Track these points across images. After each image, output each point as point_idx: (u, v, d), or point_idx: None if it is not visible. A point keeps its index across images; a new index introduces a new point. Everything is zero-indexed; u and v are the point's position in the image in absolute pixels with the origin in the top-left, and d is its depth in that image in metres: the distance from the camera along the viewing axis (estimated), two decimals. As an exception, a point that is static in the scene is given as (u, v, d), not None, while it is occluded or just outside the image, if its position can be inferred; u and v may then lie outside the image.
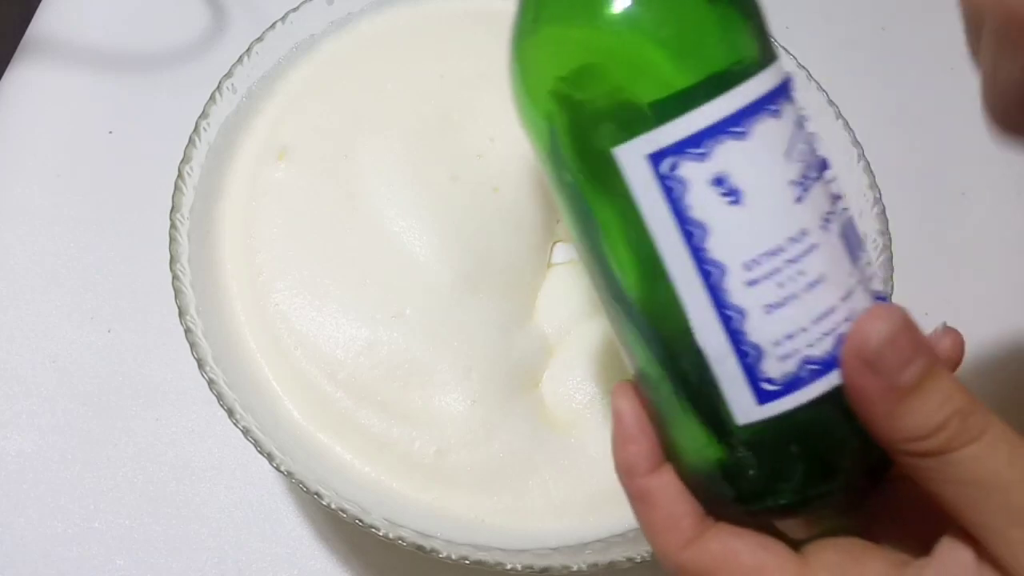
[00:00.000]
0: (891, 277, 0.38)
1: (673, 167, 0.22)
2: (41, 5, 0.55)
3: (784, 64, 0.24)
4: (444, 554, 0.32)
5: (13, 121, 0.51)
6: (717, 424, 0.24)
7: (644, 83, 0.22)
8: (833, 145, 0.40)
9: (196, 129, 0.39)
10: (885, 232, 0.38)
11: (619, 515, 0.36)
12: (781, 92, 0.23)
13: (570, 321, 0.39)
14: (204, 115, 0.39)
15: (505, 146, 0.40)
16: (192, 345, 0.34)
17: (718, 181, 0.22)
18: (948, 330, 0.25)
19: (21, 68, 0.53)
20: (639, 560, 0.32)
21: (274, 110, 0.41)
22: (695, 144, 0.22)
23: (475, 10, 0.44)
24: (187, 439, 0.43)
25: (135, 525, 0.41)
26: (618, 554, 0.33)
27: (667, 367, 0.24)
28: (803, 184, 0.22)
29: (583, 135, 0.24)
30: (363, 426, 0.36)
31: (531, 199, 0.40)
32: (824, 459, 0.24)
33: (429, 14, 0.44)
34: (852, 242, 0.24)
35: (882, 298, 0.24)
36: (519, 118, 0.26)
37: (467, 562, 0.32)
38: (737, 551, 0.24)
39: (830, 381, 0.23)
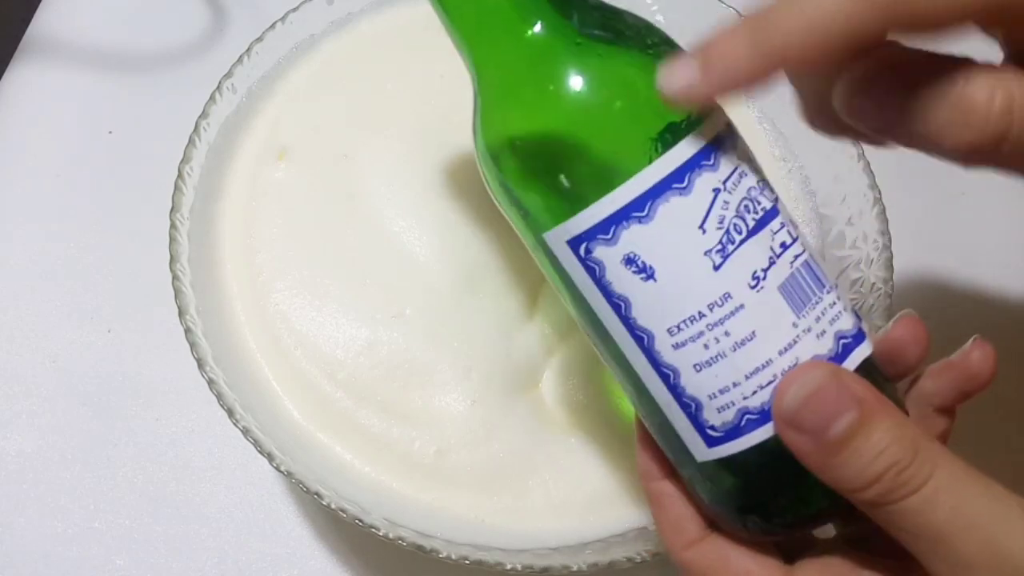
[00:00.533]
0: (891, 277, 0.38)
1: (588, 251, 0.24)
2: (41, 5, 0.55)
3: (717, 119, 0.25)
4: (444, 554, 0.32)
5: (13, 121, 0.51)
6: (686, 456, 0.26)
7: (559, 176, 0.25)
8: (833, 145, 0.40)
9: (196, 129, 0.39)
10: (885, 232, 0.38)
11: (619, 515, 0.36)
12: (695, 163, 0.24)
13: (570, 321, 0.39)
14: (204, 115, 0.39)
15: (505, 146, 0.40)
16: (192, 345, 0.34)
17: (628, 261, 0.24)
18: (977, 343, 0.26)
19: (21, 68, 0.53)
20: (639, 560, 0.32)
21: (274, 110, 0.41)
22: (603, 231, 0.24)
23: (475, 10, 0.44)
24: (187, 439, 0.43)
25: (135, 525, 0.41)
26: (618, 554, 0.33)
27: (643, 403, 0.27)
28: (722, 251, 0.24)
29: (524, 220, 0.26)
30: (363, 426, 0.36)
31: (531, 199, 0.40)
32: (781, 491, 0.25)
33: (429, 14, 0.44)
34: (800, 290, 0.25)
35: (852, 335, 0.25)
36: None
37: (467, 562, 0.32)
38: (728, 557, 0.26)
39: (769, 430, 0.24)
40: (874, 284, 0.38)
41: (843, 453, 0.21)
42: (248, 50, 0.41)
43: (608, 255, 0.24)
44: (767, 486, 0.25)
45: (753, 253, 0.24)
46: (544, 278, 0.39)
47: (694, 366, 0.24)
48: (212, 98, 0.39)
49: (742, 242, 0.24)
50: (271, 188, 0.39)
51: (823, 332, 0.24)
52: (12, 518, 0.41)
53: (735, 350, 0.24)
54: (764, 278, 0.24)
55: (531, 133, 0.25)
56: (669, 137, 0.24)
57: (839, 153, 0.40)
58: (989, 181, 0.53)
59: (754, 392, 0.24)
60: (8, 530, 0.41)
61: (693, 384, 0.24)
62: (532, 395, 0.37)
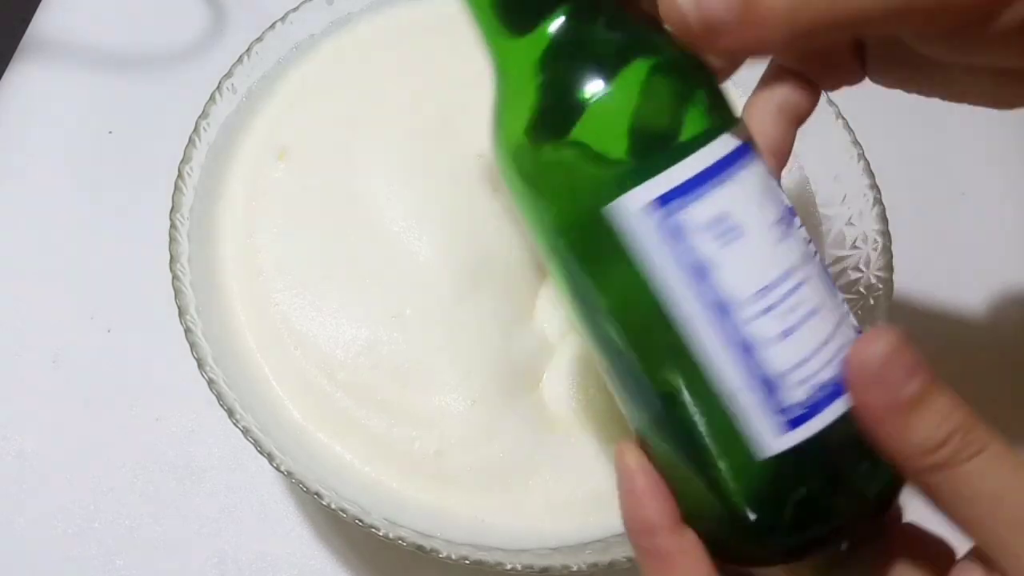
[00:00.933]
0: (891, 277, 0.38)
1: (669, 213, 0.23)
2: (41, 5, 0.55)
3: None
4: (444, 554, 0.32)
5: (13, 121, 0.51)
6: (734, 466, 0.24)
7: (647, 133, 0.24)
8: (833, 145, 0.40)
9: (196, 129, 0.39)
10: (885, 232, 0.38)
11: (619, 515, 0.36)
12: (751, 146, 0.25)
13: (570, 321, 0.39)
14: (204, 115, 0.39)
15: (505, 146, 0.40)
16: (192, 345, 0.34)
17: (718, 220, 0.23)
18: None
19: (21, 68, 0.53)
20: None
21: (274, 110, 0.41)
22: (688, 190, 0.23)
23: (475, 10, 0.44)
24: (187, 439, 0.43)
25: (135, 525, 0.41)
26: (618, 554, 0.33)
27: (673, 423, 0.25)
28: (784, 222, 0.24)
29: (576, 200, 0.25)
30: (363, 426, 0.36)
31: (531, 199, 0.40)
32: (843, 486, 0.24)
33: (429, 14, 0.44)
34: (830, 279, 0.25)
35: (860, 331, 0.26)
36: (513, 197, 0.27)
37: (467, 562, 0.32)
38: None
39: (838, 408, 0.23)
40: (874, 284, 0.38)
41: (915, 413, 0.22)
42: (248, 50, 0.41)
43: (694, 216, 0.23)
44: (829, 475, 0.24)
45: (799, 236, 0.25)
46: (544, 278, 0.40)
47: (773, 337, 0.23)
48: (212, 98, 0.39)
49: (790, 224, 0.24)
50: (271, 188, 0.39)
51: (849, 320, 0.25)
52: (12, 518, 0.41)
53: (806, 321, 0.23)
54: (815, 253, 0.25)
55: (610, 94, 0.24)
56: (735, 118, 0.25)
57: (839, 153, 0.40)
58: (989, 181, 0.54)
59: (823, 365, 0.23)
60: (8, 530, 0.41)
61: (771, 359, 0.23)
62: (532, 395, 0.37)
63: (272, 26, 0.41)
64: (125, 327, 0.46)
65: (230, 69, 0.40)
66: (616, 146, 0.24)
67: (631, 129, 0.24)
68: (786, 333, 0.23)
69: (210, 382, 0.34)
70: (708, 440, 0.24)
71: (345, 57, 0.43)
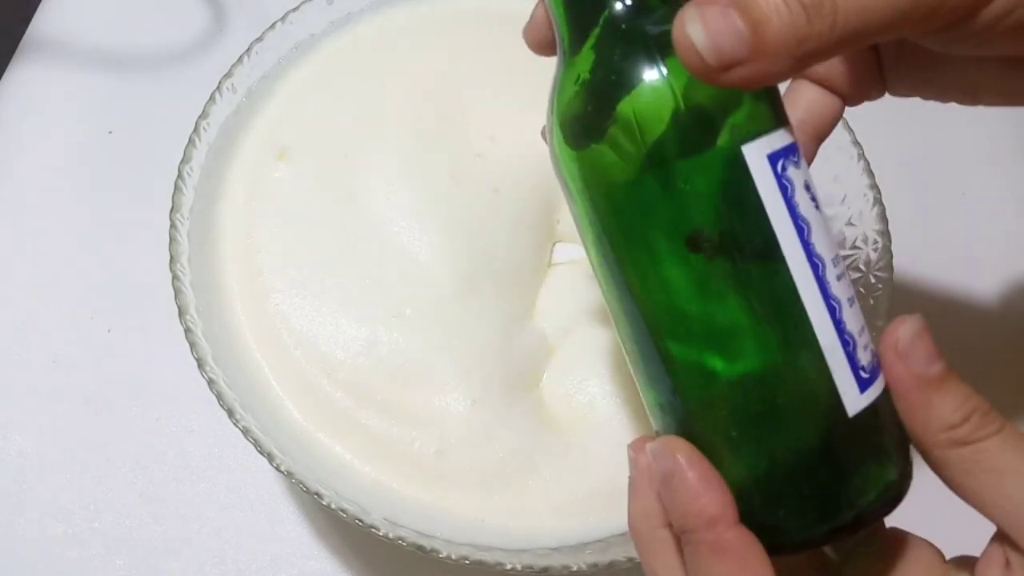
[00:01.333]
0: (891, 277, 0.38)
1: (784, 168, 0.24)
2: (41, 5, 0.55)
3: None
4: (444, 554, 0.32)
5: (13, 121, 0.51)
6: (821, 427, 0.24)
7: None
8: (833, 145, 0.40)
9: (196, 129, 0.39)
10: (885, 232, 0.38)
11: (619, 515, 0.35)
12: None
13: (570, 321, 0.39)
14: (204, 115, 0.39)
15: (505, 146, 0.40)
16: (192, 345, 0.34)
17: (807, 187, 0.25)
18: None
19: (21, 68, 0.53)
20: (639, 560, 0.32)
21: (274, 110, 0.41)
22: (795, 152, 0.25)
23: (475, 10, 0.44)
24: (187, 439, 0.43)
25: (135, 525, 0.41)
26: (618, 554, 0.33)
27: (750, 390, 0.25)
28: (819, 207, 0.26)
29: (697, 134, 0.24)
30: (363, 426, 0.36)
31: (531, 199, 0.40)
32: (888, 459, 0.25)
33: (428, 14, 0.44)
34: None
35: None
36: (558, 149, 0.26)
37: (467, 562, 0.32)
38: None
39: (879, 386, 0.25)
40: (874, 284, 0.38)
41: (941, 390, 0.24)
42: (248, 50, 0.41)
43: (796, 177, 0.24)
44: (883, 445, 0.25)
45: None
46: (544, 278, 0.40)
47: (848, 299, 0.25)
48: (212, 98, 0.39)
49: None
50: (271, 188, 0.39)
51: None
52: (12, 518, 0.41)
53: (854, 300, 0.25)
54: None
55: None
56: None
57: (839, 153, 0.40)
58: (989, 181, 0.53)
59: (869, 342, 0.25)
60: (8, 530, 0.41)
61: (849, 319, 0.25)
62: (532, 395, 0.37)
63: (272, 26, 0.41)
64: (125, 327, 0.46)
65: (230, 69, 0.40)
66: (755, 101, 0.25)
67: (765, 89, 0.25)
68: (851, 301, 0.25)
69: (210, 382, 0.34)
70: (796, 403, 0.24)
71: (345, 57, 0.43)
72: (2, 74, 0.53)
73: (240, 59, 0.40)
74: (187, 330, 0.35)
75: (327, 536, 0.42)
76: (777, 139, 0.24)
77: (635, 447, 0.26)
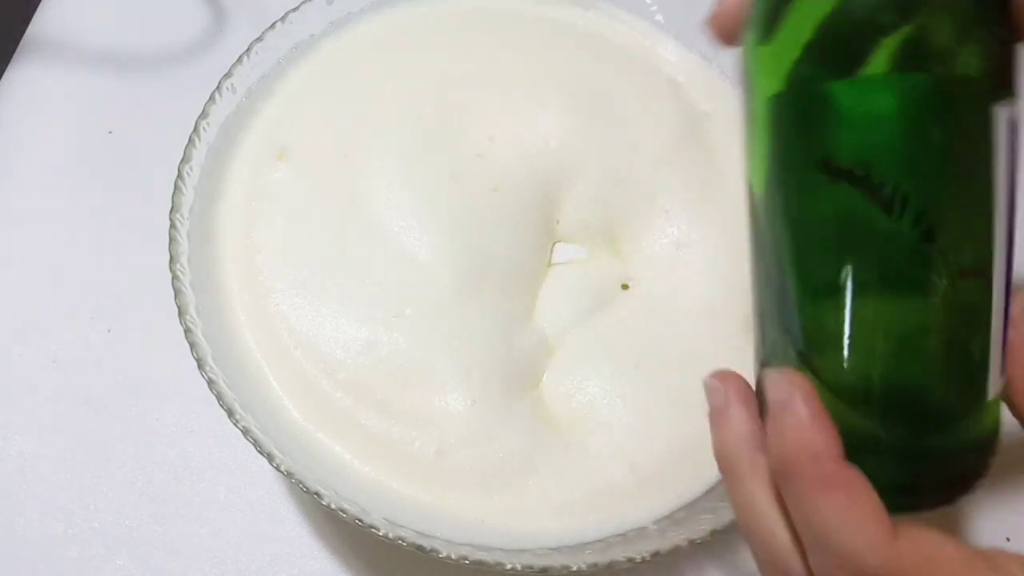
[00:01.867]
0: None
1: (1015, 132, 0.24)
2: (41, 5, 0.55)
3: None
4: (444, 554, 0.32)
5: (13, 121, 0.51)
6: (965, 403, 0.24)
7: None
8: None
9: (196, 129, 0.39)
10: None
11: (619, 515, 0.36)
12: None
13: (570, 321, 0.39)
14: (204, 115, 0.39)
15: (505, 146, 0.40)
16: (192, 345, 0.34)
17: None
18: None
19: (21, 68, 0.53)
20: (639, 560, 0.32)
21: (274, 110, 0.41)
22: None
23: (474, 10, 0.44)
24: (187, 439, 0.43)
25: (135, 525, 0.41)
26: (618, 554, 0.33)
27: (918, 319, 0.23)
28: None
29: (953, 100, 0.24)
30: (363, 426, 0.36)
31: (531, 199, 0.40)
32: (993, 448, 0.25)
33: (428, 14, 0.44)
34: None
35: None
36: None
37: (467, 562, 0.32)
38: (938, 542, 0.22)
39: None
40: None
41: None
42: (248, 50, 0.41)
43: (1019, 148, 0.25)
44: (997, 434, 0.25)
45: None
46: (544, 278, 0.40)
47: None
48: (212, 98, 0.39)
49: None
50: (271, 188, 0.39)
51: None
52: (12, 518, 0.41)
53: None
54: None
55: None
56: None
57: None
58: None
59: None
60: (8, 530, 0.41)
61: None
62: (532, 395, 0.37)
63: (272, 26, 0.41)
64: (125, 327, 0.46)
65: (230, 69, 0.40)
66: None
67: None
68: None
69: (210, 382, 0.34)
70: (975, 339, 0.24)
71: (345, 57, 0.43)
72: (2, 74, 0.53)
73: (240, 59, 0.40)
74: (187, 330, 0.35)
75: (327, 536, 0.42)
76: (1018, 110, 0.24)
77: (720, 377, 0.26)
